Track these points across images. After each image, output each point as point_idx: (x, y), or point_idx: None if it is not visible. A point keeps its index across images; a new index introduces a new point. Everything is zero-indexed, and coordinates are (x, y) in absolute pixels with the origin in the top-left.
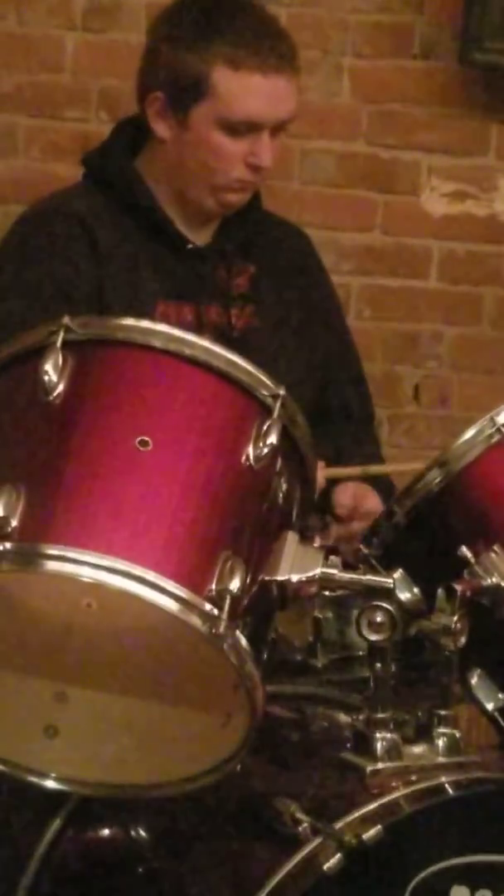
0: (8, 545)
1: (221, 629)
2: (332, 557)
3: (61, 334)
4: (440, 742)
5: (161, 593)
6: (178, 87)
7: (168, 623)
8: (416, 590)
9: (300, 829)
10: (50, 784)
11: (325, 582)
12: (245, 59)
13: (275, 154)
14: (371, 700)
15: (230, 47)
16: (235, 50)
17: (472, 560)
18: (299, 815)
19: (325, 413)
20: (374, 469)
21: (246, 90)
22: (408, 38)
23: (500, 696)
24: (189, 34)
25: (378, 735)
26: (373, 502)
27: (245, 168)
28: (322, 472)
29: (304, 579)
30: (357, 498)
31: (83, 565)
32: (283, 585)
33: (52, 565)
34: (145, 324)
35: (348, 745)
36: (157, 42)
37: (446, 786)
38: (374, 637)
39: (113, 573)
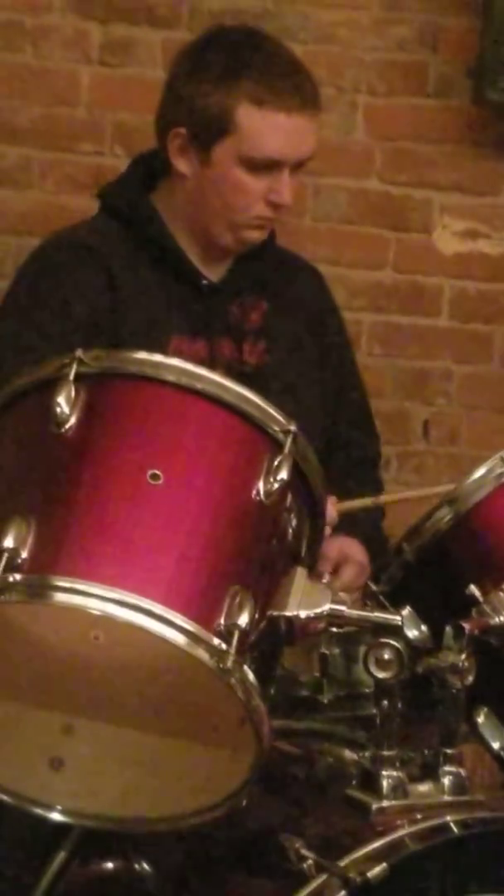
0: (17, 577)
1: (229, 664)
2: (341, 594)
3: (74, 367)
4: (446, 781)
5: (169, 626)
6: (202, 124)
7: (175, 657)
8: (423, 627)
9: (305, 865)
10: (55, 816)
11: (333, 618)
12: (269, 97)
13: (294, 191)
14: (377, 737)
15: (254, 85)
16: (260, 88)
17: (481, 598)
18: (304, 852)
19: (331, 452)
20: (387, 499)
21: (269, 128)
22: (422, 76)
23: None
24: (213, 71)
25: (384, 773)
26: (358, 554)
27: (265, 205)
28: (334, 507)
29: (312, 615)
30: (343, 551)
31: (92, 597)
32: (291, 621)
33: (60, 597)
34: (158, 358)
35: (354, 782)
36: (180, 78)
37: (451, 825)
38: (381, 674)
39: (121, 606)
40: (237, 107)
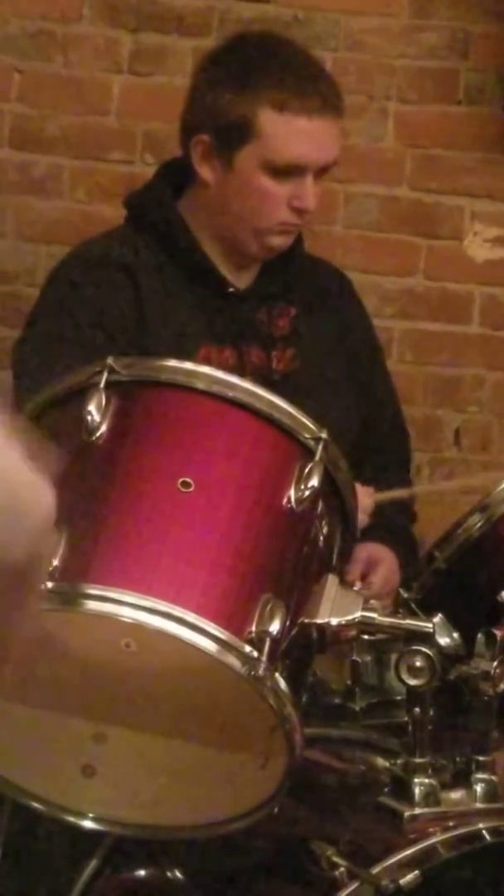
0: (49, 585)
1: (261, 671)
2: (373, 601)
3: (105, 375)
4: (478, 788)
5: (201, 634)
6: (224, 130)
7: (207, 664)
8: (455, 634)
9: (337, 873)
10: (87, 824)
11: (364, 626)
12: (290, 101)
13: (318, 197)
14: (409, 745)
15: (276, 90)
16: (281, 93)
17: None
18: (336, 859)
19: (362, 457)
20: (422, 489)
21: (291, 133)
22: (453, 83)
23: None
24: (235, 77)
25: (416, 780)
26: (389, 560)
27: (289, 211)
28: (370, 498)
29: (343, 623)
30: (373, 556)
31: (123, 605)
32: (322, 628)
33: (92, 605)
34: (188, 365)
35: (386, 789)
36: (202, 84)
37: (484, 832)
38: (412, 681)
39: (153, 614)
40: (258, 112)
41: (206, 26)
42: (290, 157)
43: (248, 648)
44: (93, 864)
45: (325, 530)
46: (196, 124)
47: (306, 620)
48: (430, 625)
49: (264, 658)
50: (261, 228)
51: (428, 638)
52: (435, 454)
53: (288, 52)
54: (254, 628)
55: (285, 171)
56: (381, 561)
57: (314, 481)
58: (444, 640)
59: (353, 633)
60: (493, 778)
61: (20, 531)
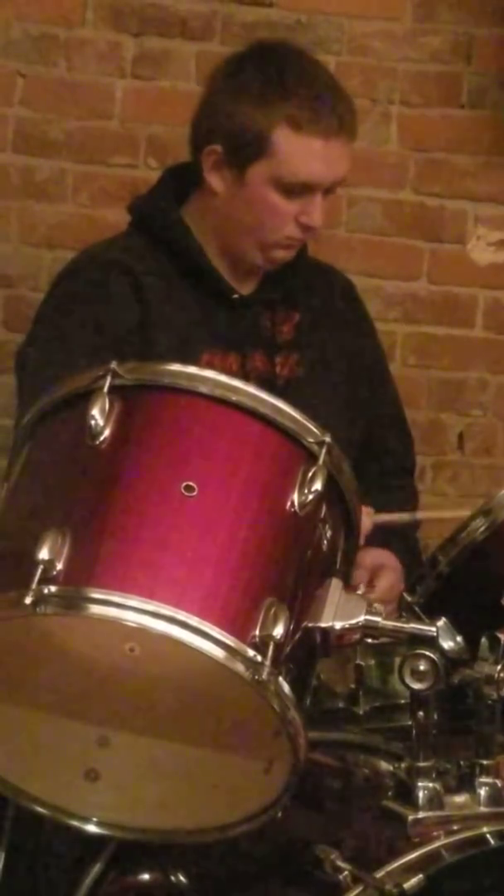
0: (53, 588)
1: (264, 675)
2: (376, 605)
3: (108, 379)
4: (482, 792)
5: (204, 639)
6: (238, 144)
7: (211, 669)
8: (459, 638)
9: (341, 877)
10: (91, 828)
11: (368, 629)
12: (308, 122)
13: (325, 213)
14: (413, 749)
15: (294, 109)
16: (299, 112)
17: None
18: (340, 863)
19: (366, 462)
20: (423, 515)
21: (305, 153)
22: (456, 87)
23: None
24: (253, 91)
25: (420, 784)
26: (393, 565)
27: (295, 226)
28: (370, 519)
29: (347, 626)
30: (378, 561)
31: (127, 610)
32: (326, 632)
33: (96, 609)
34: (192, 369)
35: (390, 793)
36: (217, 94)
37: (488, 836)
38: (416, 685)
39: (157, 618)
40: (275, 129)
41: (209, 30)
42: (302, 177)
43: (251, 652)
44: (96, 868)
45: (328, 534)
46: (209, 134)
47: (310, 624)
48: (434, 628)
49: (268, 662)
50: (266, 242)
51: (431, 642)
52: (438, 458)
53: (308, 69)
54: (257, 632)
55: (296, 190)
56: (386, 566)
57: (317, 485)
58: (447, 644)
59: (356, 636)
60: (497, 782)
61: None
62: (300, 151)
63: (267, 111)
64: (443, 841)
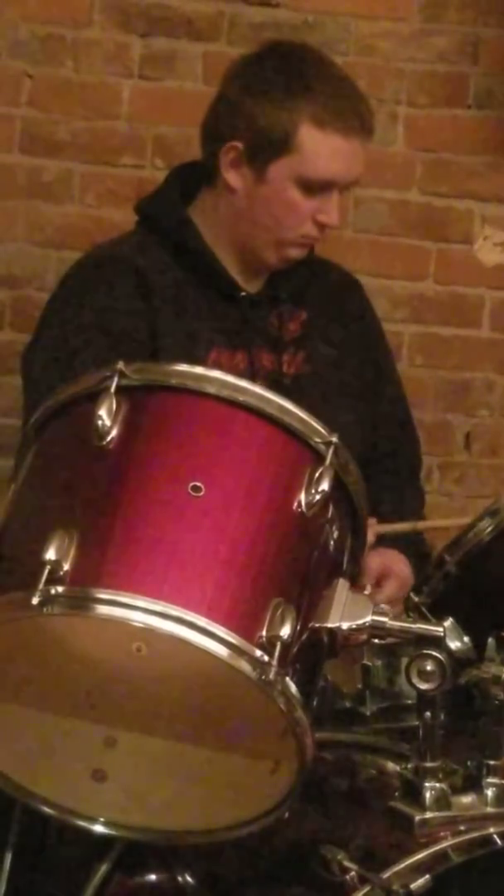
0: (60, 589)
1: (271, 675)
2: (383, 605)
3: (115, 379)
4: (489, 792)
5: (211, 639)
6: (261, 141)
7: (218, 669)
8: (466, 639)
9: (348, 877)
10: (98, 828)
11: (375, 630)
12: (331, 120)
13: (341, 212)
14: (420, 749)
15: (318, 107)
16: (323, 110)
17: None
18: (347, 864)
19: (372, 461)
20: (424, 525)
21: (328, 150)
22: (463, 87)
23: None
24: (276, 89)
25: (427, 784)
26: (401, 567)
27: (312, 224)
28: (372, 530)
29: (354, 627)
30: (386, 564)
31: (134, 610)
32: (333, 633)
33: (103, 609)
34: (199, 370)
35: (397, 793)
36: (237, 91)
37: (495, 836)
38: (423, 686)
39: (164, 618)
40: (299, 127)
41: (215, 31)
42: (324, 174)
43: (258, 653)
44: (103, 868)
45: (335, 534)
46: (228, 131)
47: (317, 625)
48: (441, 629)
49: (275, 662)
50: (283, 240)
51: (438, 642)
52: (445, 458)
53: (329, 69)
54: (265, 633)
55: (316, 187)
56: (394, 567)
57: (324, 486)
58: (454, 644)
59: (363, 637)
60: None
61: None
62: (323, 149)
63: (291, 109)
64: (450, 841)
